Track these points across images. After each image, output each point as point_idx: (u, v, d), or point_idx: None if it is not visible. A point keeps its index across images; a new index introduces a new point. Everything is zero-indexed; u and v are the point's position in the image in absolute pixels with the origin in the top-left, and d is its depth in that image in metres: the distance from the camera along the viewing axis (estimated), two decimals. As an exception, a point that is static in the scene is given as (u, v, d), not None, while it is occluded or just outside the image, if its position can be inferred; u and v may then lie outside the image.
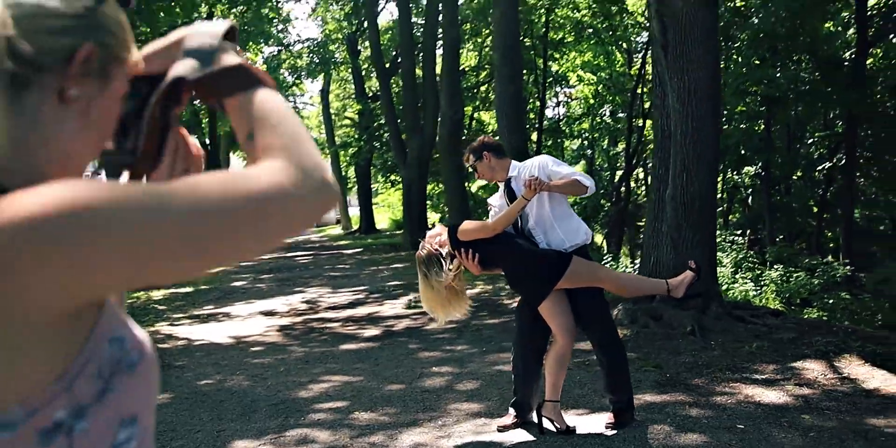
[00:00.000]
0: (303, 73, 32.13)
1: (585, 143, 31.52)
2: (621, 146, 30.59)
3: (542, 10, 24.56)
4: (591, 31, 25.28)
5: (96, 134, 0.94)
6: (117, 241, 0.72)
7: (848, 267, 13.83)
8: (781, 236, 20.74)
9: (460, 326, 9.10)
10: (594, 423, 5.11)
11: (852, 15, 18.67)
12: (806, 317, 9.79)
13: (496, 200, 5.23)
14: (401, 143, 22.07)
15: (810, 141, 22.28)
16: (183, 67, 0.96)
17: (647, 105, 25.91)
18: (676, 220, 8.15)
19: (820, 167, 20.59)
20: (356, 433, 5.19)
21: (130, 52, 0.96)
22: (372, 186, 36.98)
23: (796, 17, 16.77)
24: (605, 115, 29.34)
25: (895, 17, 17.81)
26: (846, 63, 18.37)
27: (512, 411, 5.19)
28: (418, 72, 22.75)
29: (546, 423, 4.97)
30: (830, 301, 11.17)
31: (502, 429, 5.09)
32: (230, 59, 0.96)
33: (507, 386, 6.08)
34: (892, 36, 18.51)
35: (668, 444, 4.69)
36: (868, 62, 18.15)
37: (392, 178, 32.83)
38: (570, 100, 31.99)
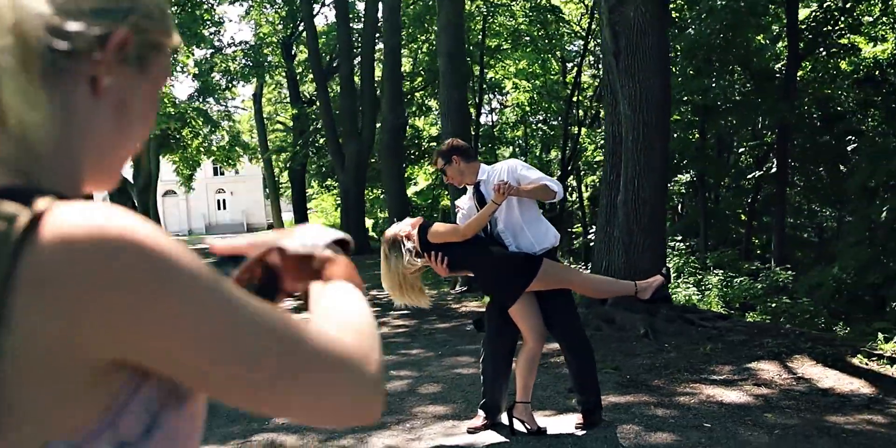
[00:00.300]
0: (236, 77, 31.71)
1: (518, 149, 31.81)
2: (553, 153, 31.04)
3: (479, 18, 24.72)
4: (527, 39, 25.53)
5: (132, 129, 0.86)
6: (176, 309, 0.68)
7: (790, 272, 14.23)
8: (710, 242, 21.21)
9: (412, 331, 9.10)
10: (563, 423, 5.15)
11: (782, 28, 19.25)
12: (750, 320, 10.02)
13: (464, 202, 5.23)
14: (338, 147, 21.93)
15: (740, 150, 22.90)
16: (285, 242, 0.97)
17: (581, 113, 26.32)
18: (628, 225, 8.28)
19: (749, 176, 21.16)
20: (324, 437, 5.14)
21: (171, 39, 0.89)
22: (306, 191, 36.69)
23: (730, 30, 17.23)
24: (539, 122, 29.69)
25: (824, 31, 18.39)
26: (778, 75, 18.91)
27: (481, 413, 5.18)
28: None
29: (517, 425, 4.99)
30: (773, 305, 11.47)
31: (472, 431, 5.09)
32: (330, 253, 0.97)
33: (469, 388, 6.10)
34: (821, 49, 19.13)
35: (640, 444, 4.76)
36: (798, 74, 18.73)
37: (327, 183, 32.60)
38: (504, 107, 32.24)
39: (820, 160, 21.44)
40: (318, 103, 28.75)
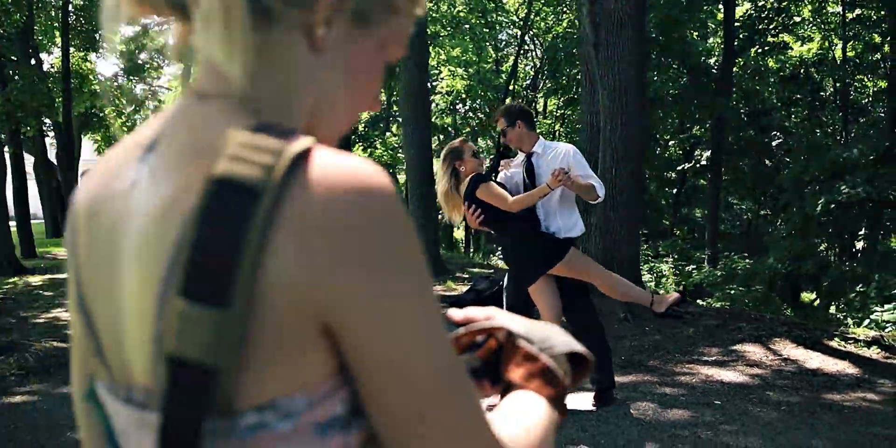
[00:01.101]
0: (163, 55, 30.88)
1: (449, 137, 31.86)
2: (482, 142, 31.19)
3: (420, 4, 24.73)
4: (467, 26, 25.63)
5: (353, 93, 0.79)
6: (400, 290, 0.65)
7: (748, 260, 14.76)
8: (646, 231, 21.74)
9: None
10: (579, 401, 5.31)
11: (717, 25, 19.84)
12: (708, 306, 10.40)
13: (511, 166, 5.28)
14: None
15: (670, 143, 23.47)
16: (519, 329, 0.88)
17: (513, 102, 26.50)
18: (605, 213, 8.49)
19: (679, 167, 21.74)
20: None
21: (409, 2, 0.80)
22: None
23: (669, 25, 17.65)
24: (470, 110, 29.80)
25: (759, 29, 19.04)
26: (714, 70, 19.47)
27: (499, 390, 5.29)
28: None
29: (538, 402, 5.11)
30: (731, 292, 11.91)
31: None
32: (554, 366, 0.85)
33: (470, 368, 6.20)
34: (756, 46, 19.79)
35: (659, 419, 4.96)
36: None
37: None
38: (434, 94, 32.21)
39: (745, 154, 22.11)
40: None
